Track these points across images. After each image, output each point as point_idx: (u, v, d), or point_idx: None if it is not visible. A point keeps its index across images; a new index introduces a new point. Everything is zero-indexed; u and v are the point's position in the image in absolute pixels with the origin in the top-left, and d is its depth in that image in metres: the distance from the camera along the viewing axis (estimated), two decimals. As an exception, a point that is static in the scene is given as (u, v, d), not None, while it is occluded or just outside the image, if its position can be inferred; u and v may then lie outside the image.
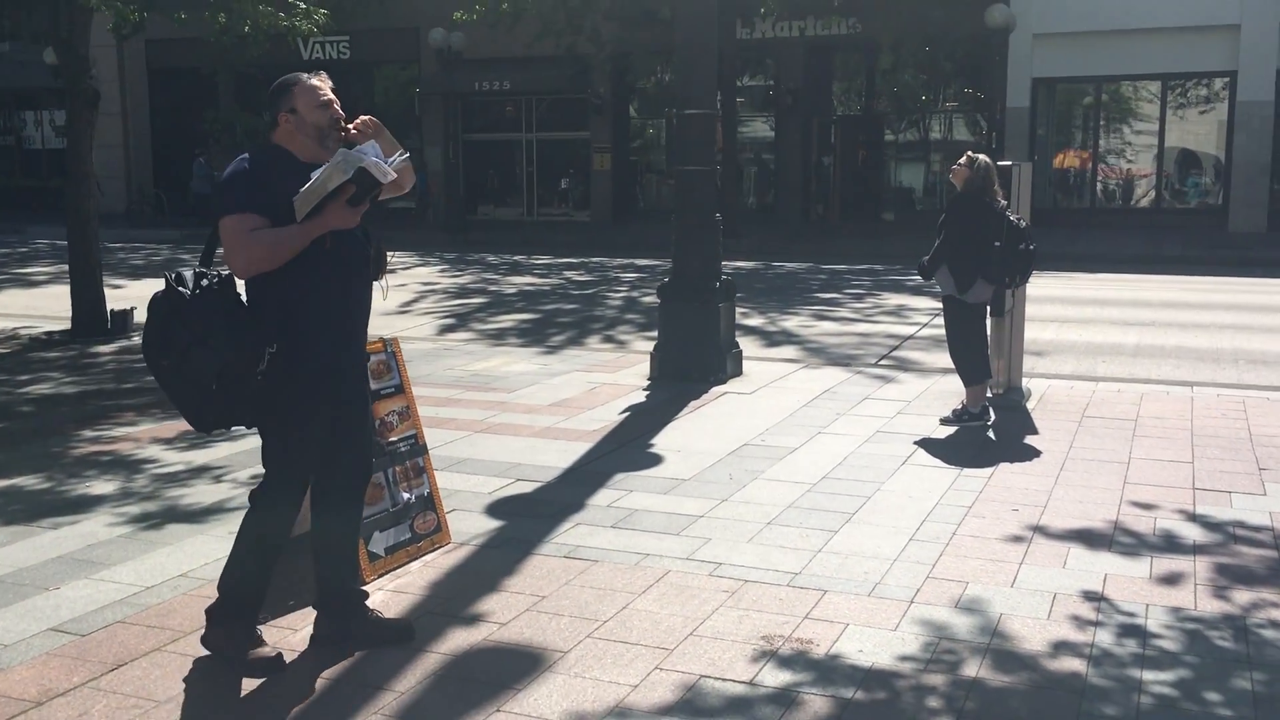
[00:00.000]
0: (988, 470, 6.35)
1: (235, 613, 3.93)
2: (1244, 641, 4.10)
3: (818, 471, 6.34)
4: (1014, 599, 4.51)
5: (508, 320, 12.91)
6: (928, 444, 6.96)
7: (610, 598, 4.56)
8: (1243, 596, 4.51)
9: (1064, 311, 12.73)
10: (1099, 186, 24.89)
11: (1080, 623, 4.29)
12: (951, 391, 8.37)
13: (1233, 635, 4.15)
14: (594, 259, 20.14)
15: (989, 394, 7.70)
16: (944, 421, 7.45)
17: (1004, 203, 7.40)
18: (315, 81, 3.87)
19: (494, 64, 26.93)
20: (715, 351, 8.83)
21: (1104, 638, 4.15)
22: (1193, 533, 5.28)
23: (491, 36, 24.46)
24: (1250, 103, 22.42)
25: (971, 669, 3.91)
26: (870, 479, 6.20)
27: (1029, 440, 7.04)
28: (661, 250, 20.60)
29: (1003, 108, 22.54)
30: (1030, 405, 7.99)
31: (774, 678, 3.86)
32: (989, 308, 7.64)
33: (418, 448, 5.16)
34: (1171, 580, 4.70)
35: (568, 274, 17.76)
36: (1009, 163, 7.90)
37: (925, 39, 22.37)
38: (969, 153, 7.61)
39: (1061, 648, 4.08)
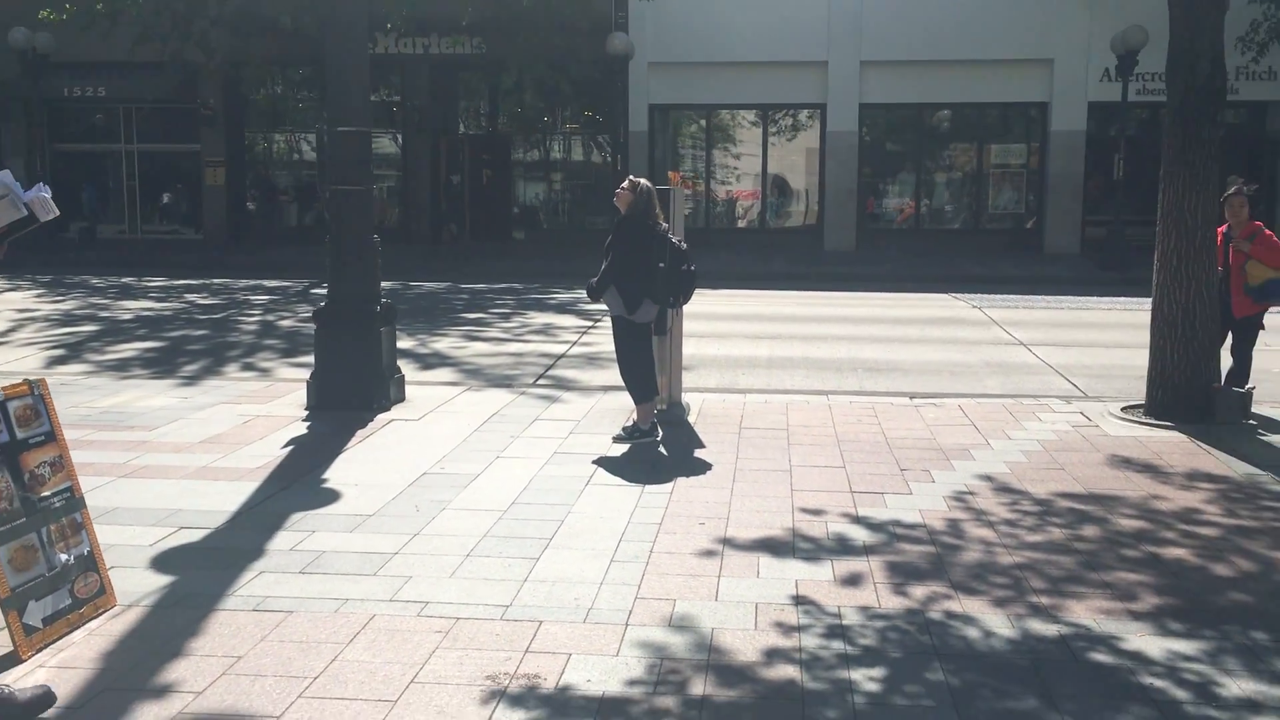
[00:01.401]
0: (667, 486, 6.54)
1: None
2: (929, 634, 4.45)
3: (505, 498, 6.26)
4: (721, 612, 4.66)
5: (129, 349, 11.81)
6: (606, 463, 7.06)
7: (315, 650, 4.25)
8: (918, 591, 4.91)
9: (700, 327, 13.38)
10: (710, 208, 26.50)
11: (785, 629, 4.49)
12: (616, 409, 8.57)
13: (918, 628, 4.50)
14: (215, 280, 18.90)
15: (655, 410, 7.94)
16: (617, 440, 7.60)
17: (665, 225, 7.68)
18: None
19: (88, 68, 24.70)
20: (378, 378, 8.52)
21: (809, 642, 4.37)
22: (860, 534, 5.69)
23: (85, 39, 22.39)
24: (838, 132, 24.72)
25: (698, 687, 3.98)
26: (559, 502, 6.20)
27: (698, 454, 7.33)
28: (289, 271, 19.81)
29: (625, 131, 23.48)
30: (691, 419, 8.33)
31: (509, 719, 3.74)
32: (653, 327, 7.89)
33: (74, 501, 4.57)
34: (854, 581, 5.03)
35: (190, 297, 16.54)
36: (667, 187, 8.20)
37: (549, 62, 22.88)
38: (630, 177, 7.82)
39: (774, 655, 4.25)
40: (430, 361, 11.21)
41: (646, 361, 7.78)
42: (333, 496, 6.29)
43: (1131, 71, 20.60)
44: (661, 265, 7.47)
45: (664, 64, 24.50)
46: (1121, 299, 16.73)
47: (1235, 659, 4.19)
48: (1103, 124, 24.06)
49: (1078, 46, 23.47)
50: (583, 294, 16.79)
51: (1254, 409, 8.28)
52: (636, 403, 7.71)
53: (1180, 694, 3.91)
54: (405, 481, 6.58)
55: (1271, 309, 8.47)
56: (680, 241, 7.70)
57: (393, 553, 5.34)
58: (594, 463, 7.06)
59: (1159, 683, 4.01)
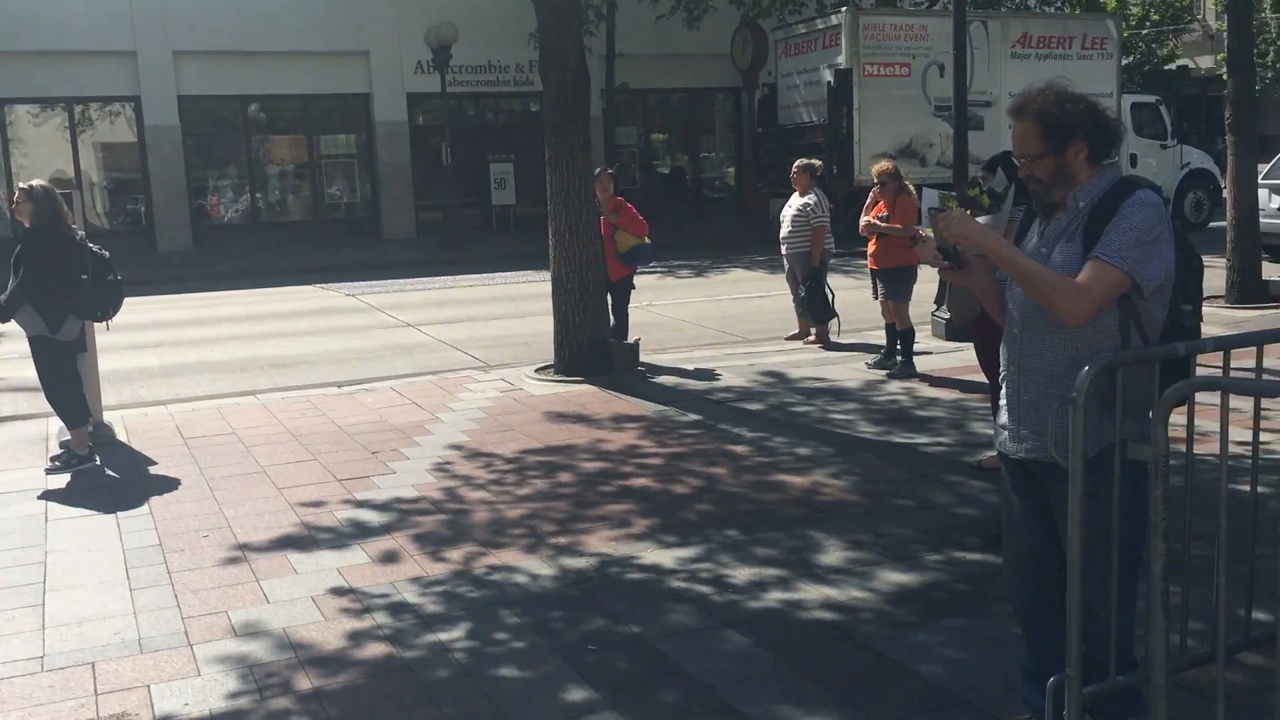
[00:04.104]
0: (143, 508, 6.16)
1: None
2: (485, 588, 4.86)
3: (-43, 551, 5.50)
4: (282, 612, 4.65)
5: None
6: (55, 496, 6.44)
7: None
8: (454, 555, 5.28)
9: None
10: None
11: (355, 613, 4.63)
12: (28, 438, 7.77)
13: (473, 586, 4.89)
14: None
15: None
16: (52, 471, 6.92)
17: (81, 233, 7.09)
18: None
19: None
20: None
21: (384, 620, 4.56)
22: (371, 516, 5.89)
23: None
24: (158, 127, 23.49)
25: (304, 682, 4.02)
26: (26, 544, 5.60)
27: (155, 471, 6.94)
28: None
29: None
30: (123, 438, 7.79)
31: (125, 762, 3.51)
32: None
33: None
34: (392, 558, 5.27)
35: None
36: (68, 191, 7.52)
37: None
38: (20, 184, 7.09)
39: (360, 637, 4.39)
40: None
41: (75, 382, 7.15)
42: None
43: (448, 64, 22.12)
44: (85, 277, 6.91)
45: (-61, 53, 21.47)
46: (473, 275, 18.11)
47: (727, 554, 5.15)
48: (421, 113, 25.54)
49: (390, 39, 24.59)
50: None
51: (640, 357, 9.70)
52: (71, 427, 7.06)
53: (705, 589, 4.75)
54: None
55: (640, 270, 9.96)
56: (102, 250, 7.16)
57: None
58: (40, 499, 6.40)
59: (684, 584, 4.82)
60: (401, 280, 17.77)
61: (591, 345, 9.17)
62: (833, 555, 5.09)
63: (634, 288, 10.08)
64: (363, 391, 9.10)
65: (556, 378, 9.20)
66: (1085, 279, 2.89)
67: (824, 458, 6.74)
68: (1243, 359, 3.21)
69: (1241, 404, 3.25)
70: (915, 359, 9.10)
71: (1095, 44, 22.20)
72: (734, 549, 5.21)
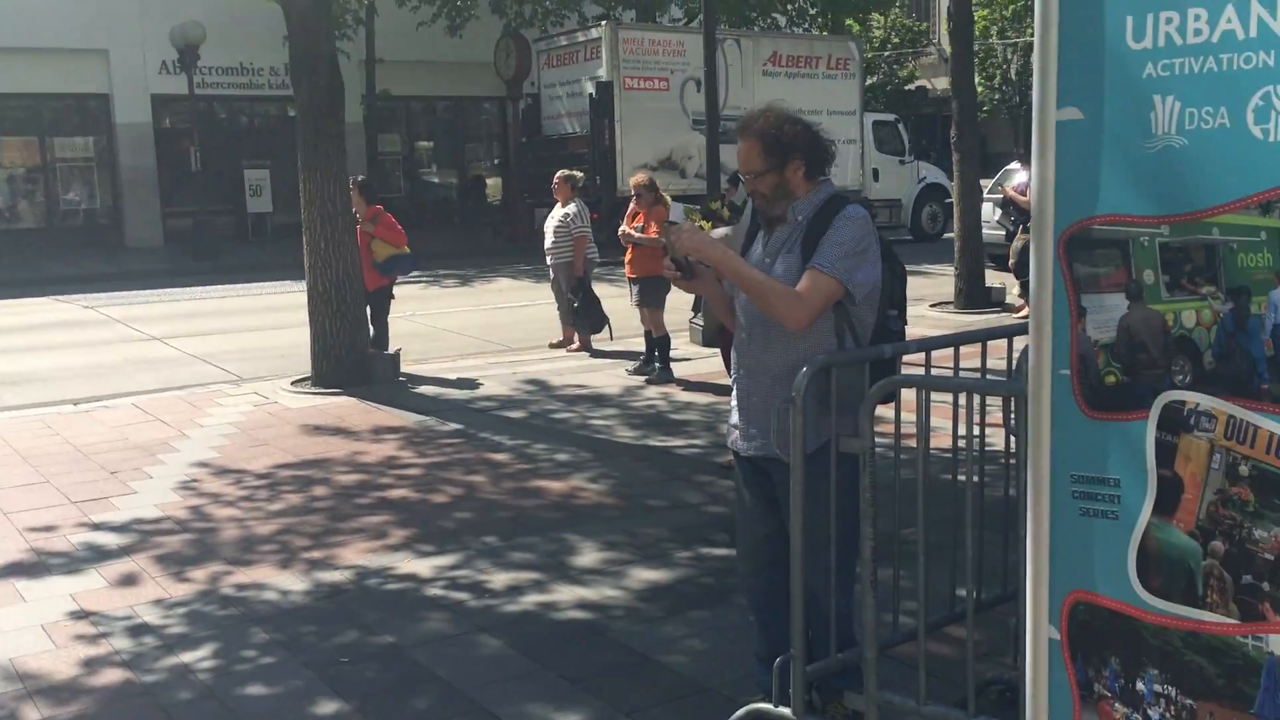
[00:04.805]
0: None
1: None
2: (232, 607, 4.72)
3: None
4: (10, 642, 4.39)
5: None
6: None
7: None
8: (199, 575, 5.10)
9: None
10: None
11: (89, 639, 4.42)
12: None
13: (219, 605, 4.74)
14: None
15: None
16: None
17: None
18: None
19: None
20: None
21: (122, 644, 4.37)
22: (109, 539, 5.61)
23: None
24: None
25: (32, 714, 3.82)
26: None
27: None
28: None
29: None
30: None
31: None
32: None
33: None
34: (131, 581, 5.04)
35: None
36: None
37: None
38: None
39: (95, 664, 4.20)
40: None
41: None
42: None
43: (195, 65, 21.16)
44: None
45: None
46: (227, 285, 17.41)
47: (484, 560, 5.19)
48: (168, 116, 24.29)
49: (132, 38, 23.29)
50: None
51: (401, 368, 9.58)
52: None
53: (462, 595, 4.78)
54: None
55: (404, 279, 9.85)
56: None
57: None
58: None
59: (441, 592, 4.83)
60: (147, 291, 16.89)
61: (350, 356, 9.01)
62: (588, 557, 5.22)
63: (393, 297, 9.96)
64: (101, 409, 8.63)
65: (314, 390, 8.98)
66: (804, 287, 3.11)
67: (583, 463, 6.88)
68: (945, 360, 3.52)
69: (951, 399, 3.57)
70: (673, 365, 9.39)
71: (839, 64, 23.39)
72: (492, 555, 5.26)
